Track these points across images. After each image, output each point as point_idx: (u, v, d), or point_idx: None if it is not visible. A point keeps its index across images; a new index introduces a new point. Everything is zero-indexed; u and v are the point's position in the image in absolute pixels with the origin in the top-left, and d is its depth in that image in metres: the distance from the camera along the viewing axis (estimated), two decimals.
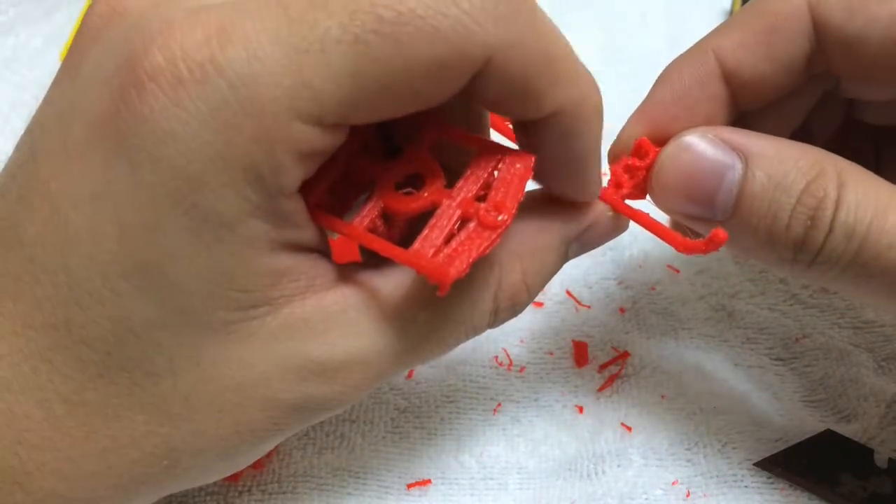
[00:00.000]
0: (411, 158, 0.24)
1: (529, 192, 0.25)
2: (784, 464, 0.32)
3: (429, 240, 0.22)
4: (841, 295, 0.37)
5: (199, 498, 0.31)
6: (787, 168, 0.24)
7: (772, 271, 0.38)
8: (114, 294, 0.20)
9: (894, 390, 0.34)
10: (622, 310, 0.37)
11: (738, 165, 0.25)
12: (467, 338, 0.25)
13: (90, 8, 0.23)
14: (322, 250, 0.23)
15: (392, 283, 0.24)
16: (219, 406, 0.22)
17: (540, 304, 0.37)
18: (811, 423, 0.33)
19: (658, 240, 0.26)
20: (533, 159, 0.23)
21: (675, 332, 0.36)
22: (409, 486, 0.32)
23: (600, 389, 0.35)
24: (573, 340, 0.36)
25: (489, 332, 0.36)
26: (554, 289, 0.38)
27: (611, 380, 0.35)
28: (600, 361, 0.35)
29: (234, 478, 0.32)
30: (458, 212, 0.22)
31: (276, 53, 0.19)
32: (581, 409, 0.34)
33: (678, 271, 0.38)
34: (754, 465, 0.32)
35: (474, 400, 0.34)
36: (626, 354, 0.35)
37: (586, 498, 0.31)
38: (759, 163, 0.24)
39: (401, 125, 0.24)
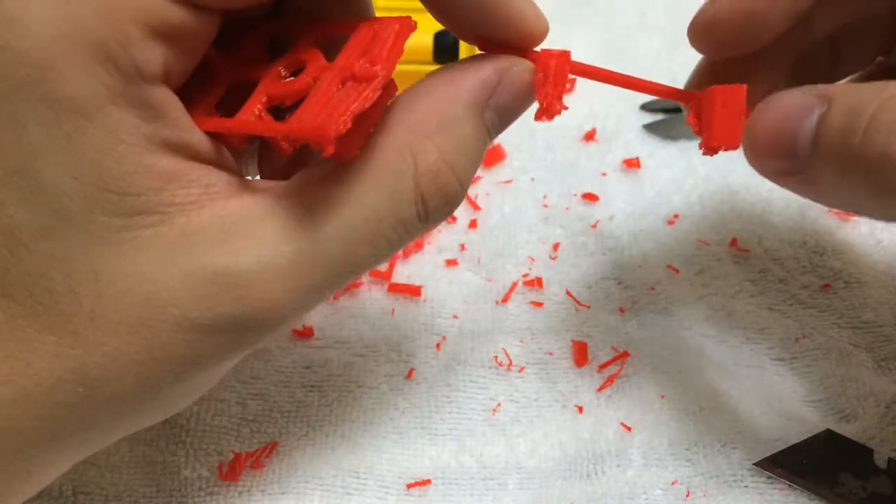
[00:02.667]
0: (295, 53, 0.23)
1: (430, 73, 0.24)
2: (784, 464, 0.32)
3: (307, 108, 0.21)
4: (840, 295, 0.37)
5: (199, 498, 0.31)
6: (861, 96, 0.23)
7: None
8: None
9: (894, 390, 0.34)
10: (622, 310, 0.37)
11: (820, 106, 0.23)
12: (399, 236, 0.23)
13: None
14: (219, 163, 0.22)
15: (298, 185, 0.22)
16: (128, 326, 0.20)
17: (540, 305, 0.37)
18: (811, 423, 0.33)
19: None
20: (410, 18, 0.22)
21: (675, 332, 0.36)
22: (409, 486, 0.32)
23: (600, 389, 0.35)
24: (573, 340, 0.36)
25: (489, 332, 0.36)
26: (553, 289, 0.38)
27: (611, 380, 0.35)
28: (600, 361, 0.35)
29: (234, 478, 0.32)
30: (338, 78, 0.21)
31: None
32: (581, 409, 0.34)
33: (678, 271, 0.38)
34: (754, 465, 0.32)
35: (474, 400, 0.34)
36: (625, 354, 0.35)
37: (586, 498, 0.31)
38: (837, 99, 0.23)
39: (286, 38, 0.23)
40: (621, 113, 0.46)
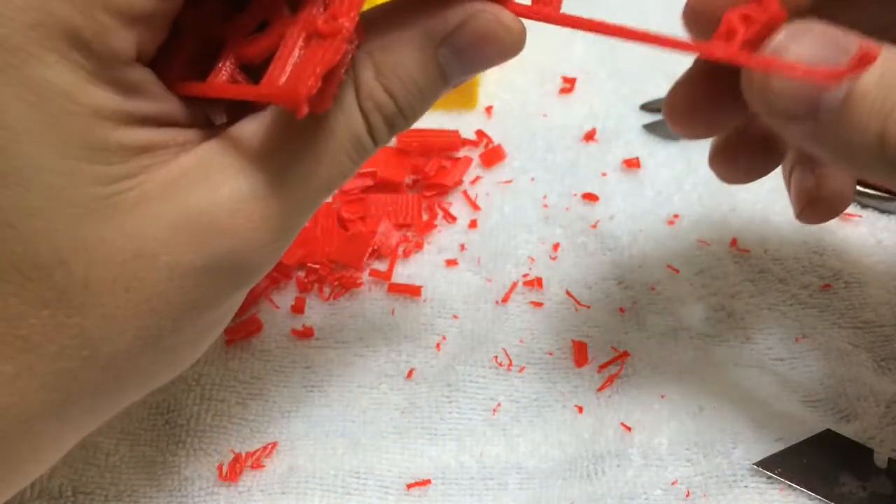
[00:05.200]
0: (259, 6, 0.23)
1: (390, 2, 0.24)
2: (784, 464, 0.32)
3: (275, 68, 0.21)
4: (841, 295, 0.37)
5: (199, 498, 0.31)
6: None
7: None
8: None
9: (894, 390, 0.34)
10: (622, 310, 0.37)
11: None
12: (357, 151, 0.24)
13: None
14: (193, 120, 0.23)
15: (262, 119, 0.23)
16: (123, 283, 0.21)
17: (540, 305, 0.37)
18: (811, 423, 0.33)
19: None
20: None
21: (675, 332, 0.36)
22: (409, 486, 0.32)
23: (600, 389, 0.35)
24: (573, 340, 0.36)
25: (489, 331, 0.36)
26: (554, 289, 0.38)
27: (611, 380, 0.35)
28: (600, 361, 0.35)
29: (234, 478, 0.32)
30: (303, 34, 0.21)
31: None
32: (581, 409, 0.34)
33: (678, 271, 0.38)
34: (754, 465, 0.32)
35: (474, 400, 0.34)
36: (625, 354, 0.35)
37: (586, 498, 0.31)
38: (877, 66, 0.22)
39: None
40: (621, 113, 0.46)
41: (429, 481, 0.32)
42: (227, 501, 0.31)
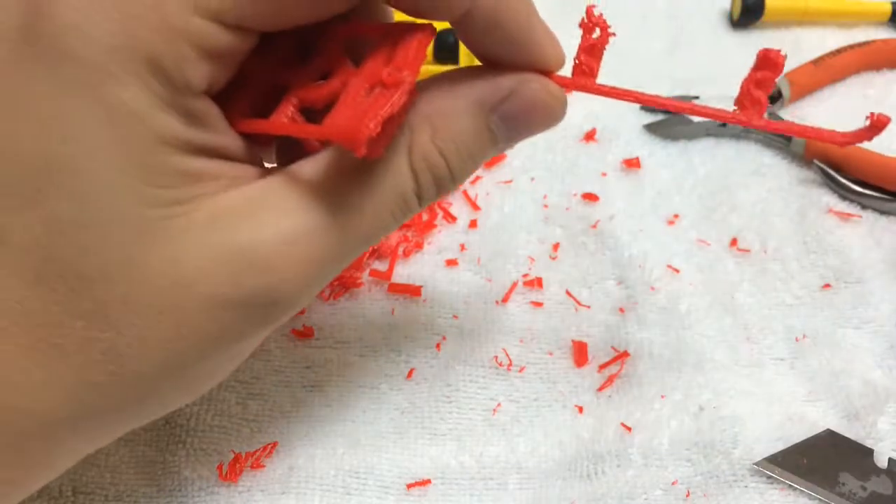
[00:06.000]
0: (323, 59, 0.24)
1: (448, 70, 0.25)
2: (784, 464, 0.32)
3: (339, 111, 0.22)
4: (841, 295, 0.37)
5: (199, 498, 0.31)
6: None
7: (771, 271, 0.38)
8: (41, 195, 0.21)
9: (894, 390, 0.34)
10: (622, 310, 0.37)
11: None
12: (400, 209, 0.24)
13: None
14: (249, 159, 0.24)
15: (314, 164, 0.24)
16: (158, 307, 0.22)
17: (540, 304, 0.37)
18: (811, 423, 0.33)
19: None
20: (431, 25, 0.23)
21: (675, 331, 0.36)
22: (409, 486, 0.32)
23: (600, 389, 0.35)
24: (573, 340, 0.36)
25: (489, 331, 0.36)
26: (554, 289, 0.38)
27: (610, 380, 0.35)
28: (600, 361, 0.35)
29: (234, 478, 0.32)
30: (366, 84, 0.23)
31: None
32: (581, 409, 0.34)
33: (678, 271, 0.38)
34: (754, 465, 0.32)
35: (474, 400, 0.34)
36: (625, 354, 0.35)
37: (586, 498, 0.31)
38: None
39: (317, 38, 0.24)
40: (621, 113, 0.46)
41: (429, 481, 0.32)
42: (227, 501, 0.31)
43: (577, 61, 0.26)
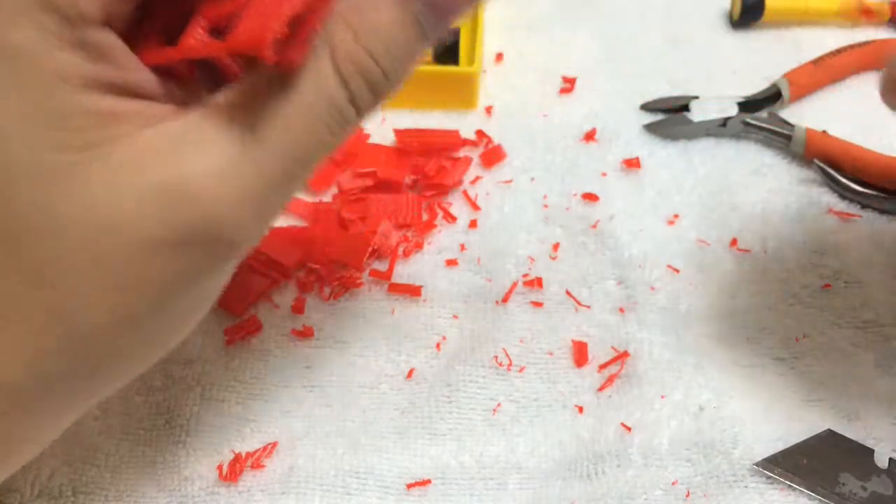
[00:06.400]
0: None
1: None
2: (784, 464, 0.32)
3: (245, 22, 0.21)
4: (841, 295, 0.37)
5: (199, 498, 0.31)
6: None
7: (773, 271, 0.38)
8: None
9: (894, 390, 0.34)
10: (622, 310, 0.37)
11: None
12: (335, 120, 0.23)
13: None
14: (167, 98, 0.23)
15: (233, 91, 0.22)
16: (90, 258, 0.21)
17: (540, 304, 0.37)
18: (811, 423, 0.33)
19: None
20: None
21: (675, 331, 0.36)
22: (409, 486, 0.32)
23: (600, 389, 0.35)
24: (573, 340, 0.36)
25: (489, 331, 0.36)
26: (554, 289, 0.38)
27: (611, 380, 0.35)
28: (600, 361, 0.35)
29: (234, 478, 0.32)
30: None
31: None
32: (581, 409, 0.34)
33: (678, 271, 0.38)
34: (754, 465, 0.32)
35: (474, 400, 0.34)
36: (625, 354, 0.35)
37: (586, 498, 0.31)
38: None
39: None
40: (621, 113, 0.46)
41: (429, 481, 0.32)
42: (227, 501, 0.31)
43: None
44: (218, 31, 0.22)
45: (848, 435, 0.32)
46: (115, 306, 0.21)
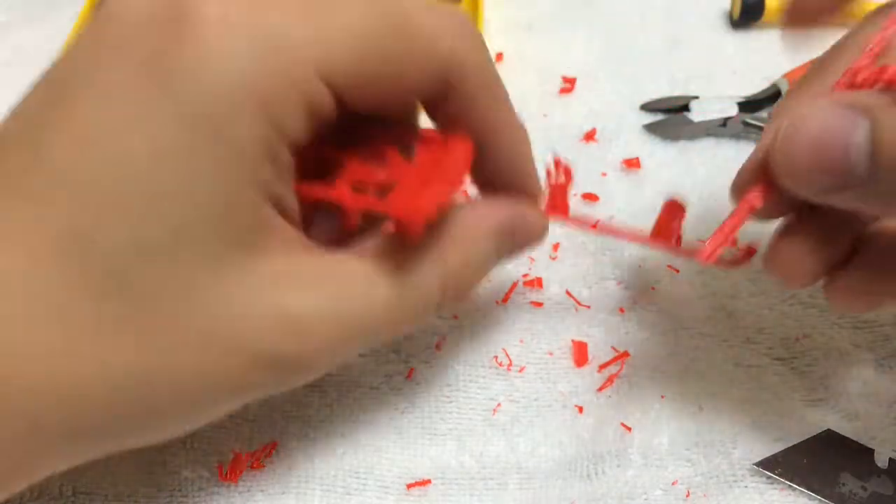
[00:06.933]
0: (371, 147, 0.26)
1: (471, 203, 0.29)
2: (784, 464, 0.32)
3: (398, 194, 0.24)
4: None
5: (199, 498, 0.31)
6: None
7: None
8: (136, 213, 0.21)
9: (895, 390, 0.34)
10: (622, 310, 0.37)
11: (863, 121, 0.23)
12: (421, 313, 0.26)
13: None
14: (301, 225, 0.26)
15: (358, 258, 0.25)
16: (201, 344, 0.22)
17: (540, 304, 0.37)
18: (811, 423, 0.33)
19: None
20: (471, 142, 0.27)
21: (675, 332, 0.36)
22: (409, 486, 0.32)
23: (600, 389, 0.35)
24: (573, 340, 0.36)
25: (489, 331, 0.36)
26: (554, 289, 0.38)
27: (611, 380, 0.35)
28: (600, 361, 0.35)
29: (234, 478, 0.32)
30: (419, 177, 0.25)
31: (309, 19, 0.22)
32: (581, 409, 0.34)
33: (678, 271, 0.38)
34: (754, 465, 0.32)
35: (474, 400, 0.34)
36: (625, 354, 0.35)
37: (586, 498, 0.31)
38: (883, 109, 0.23)
39: (359, 134, 0.27)
40: (621, 113, 0.46)
41: (429, 481, 0.32)
42: (227, 501, 0.31)
43: (548, 195, 0.32)
44: (357, 189, 0.26)
45: (848, 435, 0.32)
46: (185, 390, 0.23)
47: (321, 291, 0.24)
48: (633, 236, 0.31)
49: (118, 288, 0.21)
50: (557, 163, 0.33)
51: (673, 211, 0.31)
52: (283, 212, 0.24)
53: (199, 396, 0.23)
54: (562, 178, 0.33)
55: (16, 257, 0.21)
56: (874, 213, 0.25)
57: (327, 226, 0.28)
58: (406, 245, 0.26)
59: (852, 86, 0.26)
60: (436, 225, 0.26)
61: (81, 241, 0.21)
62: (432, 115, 0.28)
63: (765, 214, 0.28)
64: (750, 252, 0.30)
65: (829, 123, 0.24)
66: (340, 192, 0.25)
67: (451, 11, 0.26)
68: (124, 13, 0.23)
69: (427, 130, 0.28)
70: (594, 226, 0.32)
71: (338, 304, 0.24)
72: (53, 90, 0.23)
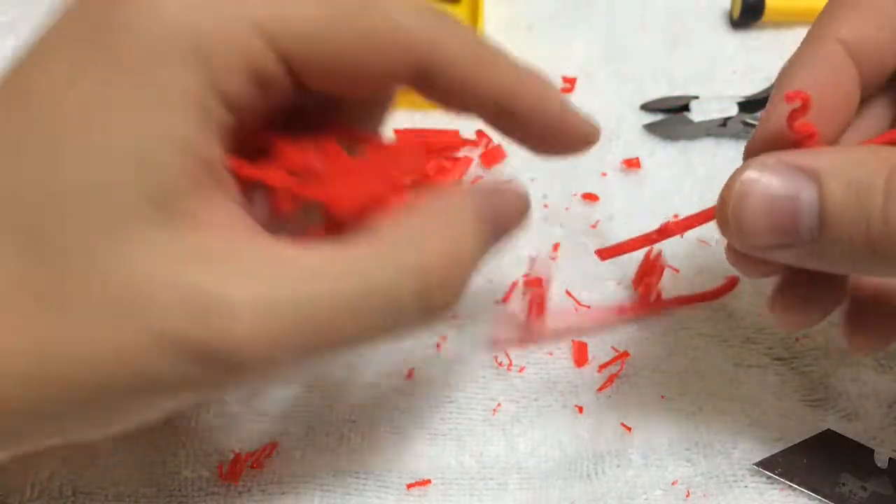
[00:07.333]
0: (313, 140, 0.25)
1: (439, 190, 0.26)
2: (784, 464, 0.32)
3: (330, 183, 0.24)
4: None
5: (199, 498, 0.31)
6: (861, 170, 0.23)
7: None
8: (55, 160, 0.20)
9: (895, 390, 0.34)
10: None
11: (811, 184, 0.24)
12: (388, 317, 0.22)
13: None
14: (241, 203, 0.23)
15: (304, 244, 0.22)
16: (104, 314, 0.20)
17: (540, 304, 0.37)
18: (811, 423, 0.33)
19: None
20: (423, 153, 0.27)
21: (675, 332, 0.36)
22: (409, 486, 0.32)
23: (600, 389, 0.35)
24: (573, 340, 0.36)
25: (489, 331, 0.36)
26: (554, 289, 0.38)
27: (610, 380, 0.35)
28: (600, 361, 0.35)
29: (234, 478, 0.32)
30: (365, 171, 0.25)
31: None
32: (581, 409, 0.34)
33: (678, 271, 0.38)
34: (754, 465, 0.32)
35: (474, 400, 0.34)
36: (625, 354, 0.35)
37: (586, 498, 0.31)
38: (829, 175, 0.23)
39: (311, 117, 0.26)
40: (621, 113, 0.46)
41: (429, 481, 0.32)
42: (227, 501, 0.31)
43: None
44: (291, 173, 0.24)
45: (848, 435, 0.32)
46: (98, 374, 0.20)
47: (254, 276, 0.21)
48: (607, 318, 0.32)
49: (33, 243, 0.20)
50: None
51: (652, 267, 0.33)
52: (219, 181, 0.22)
53: (102, 385, 0.20)
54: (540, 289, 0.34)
55: None
56: (821, 270, 0.25)
57: (263, 211, 0.25)
58: (369, 234, 0.23)
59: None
60: (398, 217, 0.24)
61: (6, 195, 0.20)
62: (429, 97, 0.26)
63: (753, 275, 0.29)
64: (732, 283, 0.33)
65: (777, 187, 0.24)
66: (271, 173, 0.24)
67: (424, 3, 0.24)
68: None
69: (382, 139, 0.27)
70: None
71: (273, 293, 0.21)
72: (19, 56, 0.22)
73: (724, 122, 0.44)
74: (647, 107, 0.46)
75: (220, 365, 0.20)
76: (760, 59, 0.48)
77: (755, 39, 0.50)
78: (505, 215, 0.27)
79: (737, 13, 0.50)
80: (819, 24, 0.28)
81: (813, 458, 0.32)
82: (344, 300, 0.21)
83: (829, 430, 0.33)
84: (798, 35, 0.29)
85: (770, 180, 0.24)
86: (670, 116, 0.45)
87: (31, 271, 0.20)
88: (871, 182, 0.23)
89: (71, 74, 0.21)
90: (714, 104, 0.45)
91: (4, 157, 0.21)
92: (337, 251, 0.22)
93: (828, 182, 0.23)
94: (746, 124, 0.44)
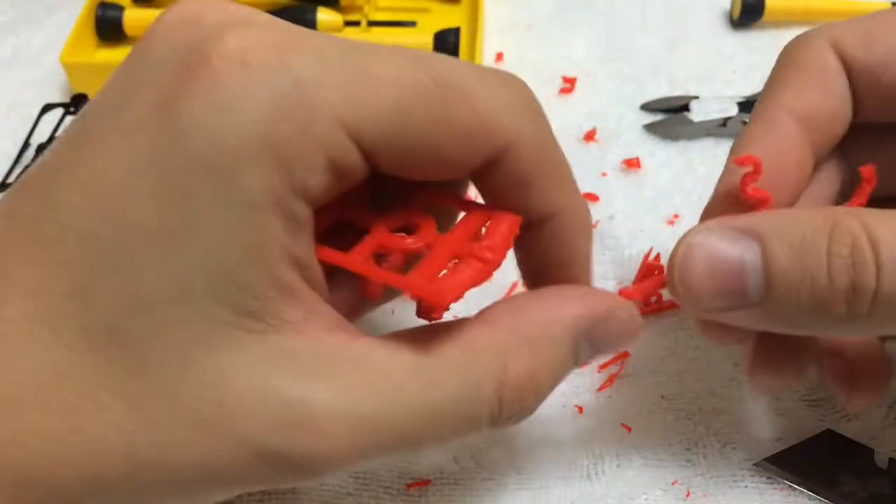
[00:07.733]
0: (405, 212, 0.25)
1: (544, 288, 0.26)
2: (784, 464, 0.32)
3: (423, 270, 0.23)
4: None
5: None
6: (803, 230, 0.23)
7: None
8: (136, 263, 0.20)
9: (895, 390, 0.34)
10: None
11: (754, 246, 0.24)
12: (464, 430, 0.22)
13: (158, 18, 0.22)
14: (325, 294, 0.23)
15: (389, 346, 0.22)
16: (192, 423, 0.20)
17: None
18: (811, 423, 0.33)
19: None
20: (520, 220, 0.24)
21: (675, 332, 0.36)
22: (409, 486, 0.32)
23: (600, 389, 0.35)
24: None
25: None
26: None
27: (611, 380, 0.35)
28: (600, 361, 0.35)
29: None
30: (452, 251, 0.23)
31: (340, 70, 0.21)
32: (581, 409, 0.34)
33: None
34: (754, 465, 0.32)
35: None
36: (626, 354, 0.35)
37: (586, 498, 0.31)
38: (772, 237, 0.24)
39: (394, 192, 0.25)
40: (621, 113, 0.46)
41: (428, 481, 0.32)
42: (227, 502, 0.31)
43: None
44: (381, 260, 0.24)
45: (848, 435, 0.32)
46: (178, 477, 0.20)
47: (339, 386, 0.21)
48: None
49: (115, 345, 0.20)
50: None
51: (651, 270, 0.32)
52: (307, 277, 0.22)
53: (191, 483, 0.20)
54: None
55: (15, 306, 0.20)
56: (770, 330, 0.26)
57: (348, 290, 0.25)
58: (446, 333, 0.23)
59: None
60: (495, 317, 0.23)
61: (84, 293, 0.20)
62: (480, 187, 0.25)
63: (725, 342, 0.29)
64: None
65: (720, 250, 0.24)
66: (357, 261, 0.23)
67: (507, 79, 0.23)
68: (150, 49, 0.22)
69: (471, 201, 0.26)
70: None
71: (359, 406, 0.21)
72: (77, 130, 0.22)
73: (724, 121, 0.44)
74: (647, 107, 0.46)
75: (302, 472, 0.21)
76: (760, 58, 0.48)
77: (755, 39, 0.50)
78: (607, 345, 0.26)
79: (737, 13, 0.50)
80: (768, 94, 0.29)
81: (813, 458, 0.32)
82: (425, 411, 0.22)
83: (829, 430, 0.33)
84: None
85: (714, 243, 0.25)
86: (670, 116, 0.45)
87: (114, 371, 0.20)
88: (814, 240, 0.23)
89: (141, 162, 0.20)
90: (714, 104, 0.45)
91: (79, 251, 0.20)
92: (422, 357, 0.22)
93: (770, 243, 0.24)
94: (746, 124, 0.44)
